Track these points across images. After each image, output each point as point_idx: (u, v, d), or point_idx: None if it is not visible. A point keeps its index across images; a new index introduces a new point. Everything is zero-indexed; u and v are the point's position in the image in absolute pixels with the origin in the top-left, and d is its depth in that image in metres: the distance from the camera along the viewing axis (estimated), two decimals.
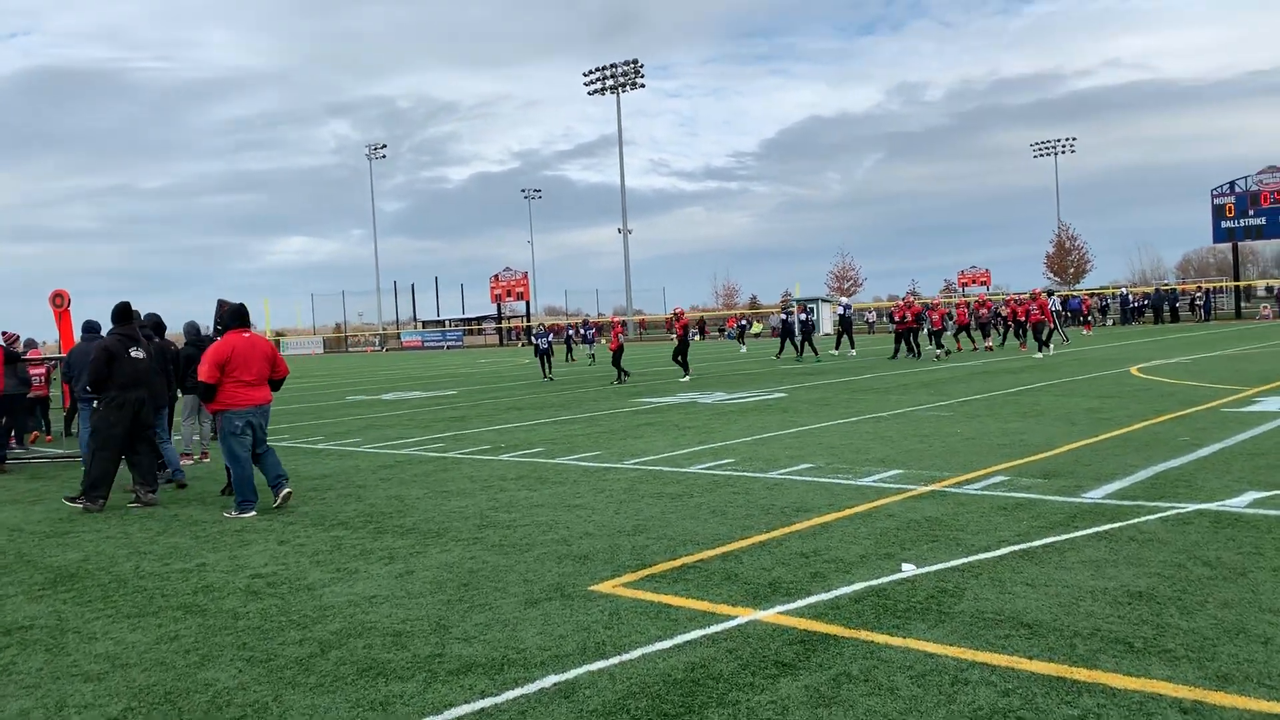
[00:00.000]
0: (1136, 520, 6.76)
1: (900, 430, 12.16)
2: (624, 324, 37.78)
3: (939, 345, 29.64)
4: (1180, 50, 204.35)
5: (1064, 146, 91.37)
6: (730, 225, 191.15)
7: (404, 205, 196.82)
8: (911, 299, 30.53)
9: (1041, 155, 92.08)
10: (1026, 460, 9.48)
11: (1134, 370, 19.92)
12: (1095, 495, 7.65)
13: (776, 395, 18.09)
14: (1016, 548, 6.20)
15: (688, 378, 23.47)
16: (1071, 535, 6.45)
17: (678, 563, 6.24)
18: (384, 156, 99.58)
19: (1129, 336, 37.61)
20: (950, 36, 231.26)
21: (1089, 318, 39.32)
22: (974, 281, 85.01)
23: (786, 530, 6.98)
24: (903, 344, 28.15)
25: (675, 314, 27.06)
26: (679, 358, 24.23)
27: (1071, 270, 71.72)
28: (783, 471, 9.47)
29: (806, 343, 29.88)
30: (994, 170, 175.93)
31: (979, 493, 8.00)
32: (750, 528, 7.11)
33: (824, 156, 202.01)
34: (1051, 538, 6.40)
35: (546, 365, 28.03)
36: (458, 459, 11.67)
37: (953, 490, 8.15)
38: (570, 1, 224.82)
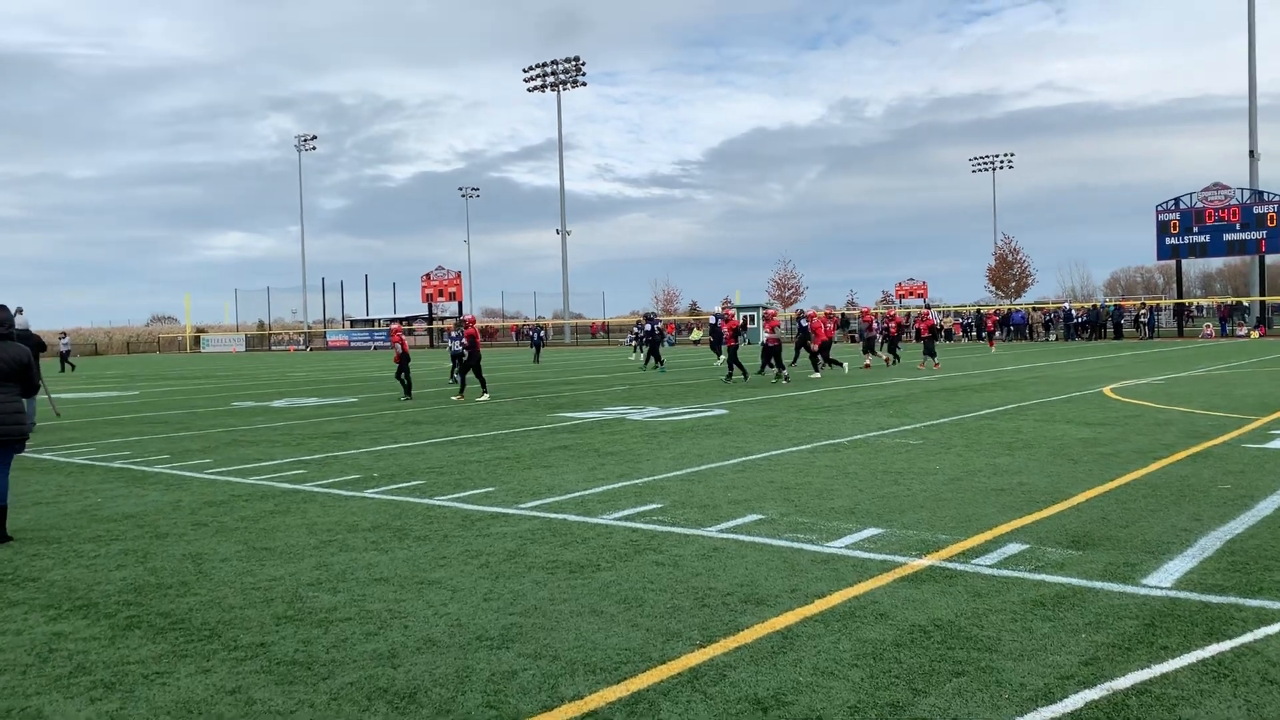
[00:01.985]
0: (1250, 636, 4.54)
1: (865, 464, 9.92)
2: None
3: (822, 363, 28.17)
4: (1112, 76, 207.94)
5: (1002, 162, 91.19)
6: (673, 232, 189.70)
7: (346, 203, 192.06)
8: (833, 310, 29.55)
9: (980, 170, 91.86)
10: (1039, 516, 7.27)
11: (1108, 391, 18.03)
12: (1162, 583, 5.44)
13: (716, 412, 15.81)
14: (1093, 693, 3.92)
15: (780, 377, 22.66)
16: (1168, 666, 4.19)
17: (554, 716, 3.85)
18: (314, 149, 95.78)
19: (1079, 353, 36.16)
20: (892, 54, 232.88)
21: (994, 334, 36.26)
22: (911, 294, 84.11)
23: (732, 643, 4.63)
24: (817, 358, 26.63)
25: (725, 314, 26.52)
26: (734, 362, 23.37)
27: (1013, 284, 70.89)
28: (725, 527, 7.14)
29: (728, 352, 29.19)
30: (932, 186, 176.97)
31: (997, 572, 5.74)
32: (677, 636, 4.75)
33: (767, 167, 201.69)
34: (1138, 670, 4.14)
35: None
36: (310, 494, 9.14)
37: (959, 567, 5.88)
38: (518, 4, 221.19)
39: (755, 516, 7.47)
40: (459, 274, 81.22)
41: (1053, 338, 53.71)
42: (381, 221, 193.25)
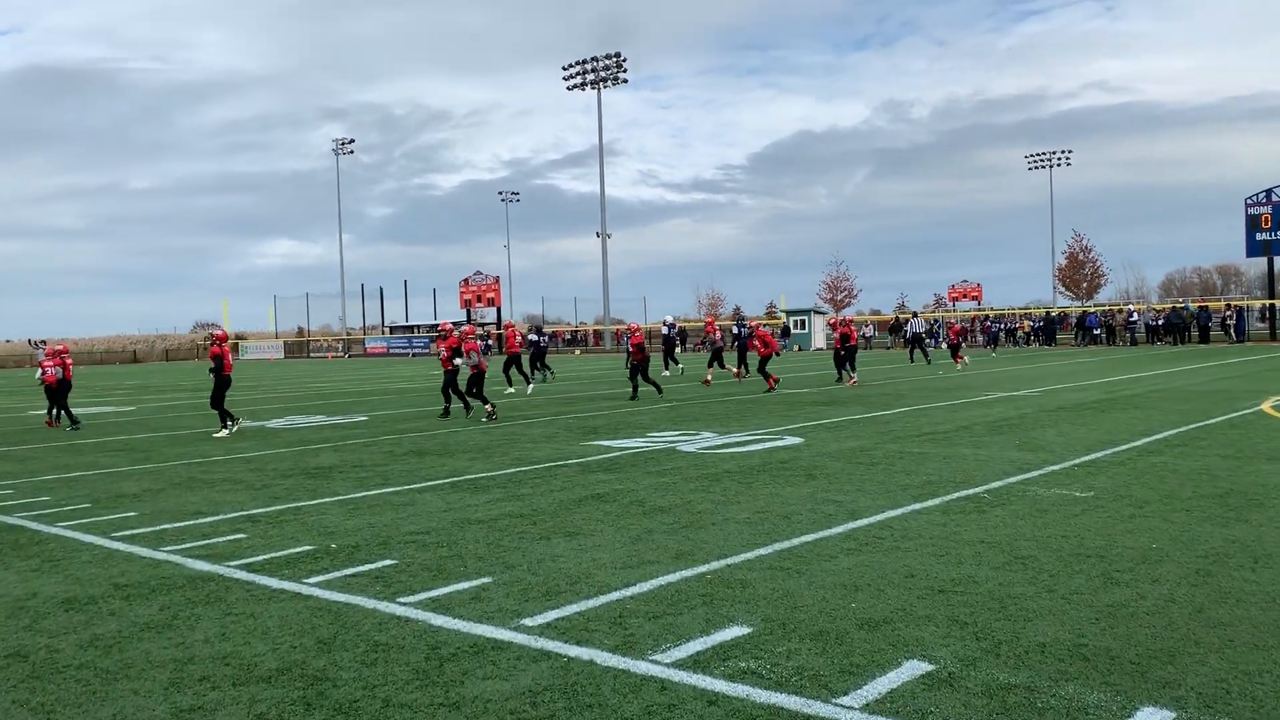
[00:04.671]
0: None
1: (1038, 538, 6.79)
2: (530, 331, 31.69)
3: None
4: (1164, 75, 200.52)
5: (1059, 159, 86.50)
6: (716, 237, 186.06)
7: (393, 211, 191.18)
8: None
9: (1035, 168, 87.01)
10: None
11: (1270, 409, 14.65)
12: None
13: (789, 441, 12.70)
14: None
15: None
16: None
17: None
18: (351, 152, 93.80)
19: (1173, 360, 32.42)
20: (940, 55, 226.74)
21: (959, 346, 31.35)
22: (965, 296, 79.95)
23: None
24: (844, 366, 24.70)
25: (844, 320, 25.46)
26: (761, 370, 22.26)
27: (1085, 285, 66.62)
28: (873, 693, 4.08)
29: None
30: (982, 188, 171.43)
31: None
32: None
33: (812, 170, 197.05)
34: None
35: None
36: (227, 583, 6.20)
37: None
38: (565, 12, 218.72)
39: (918, 665, 4.39)
40: (497, 279, 78.74)
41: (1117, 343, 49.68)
42: (427, 230, 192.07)
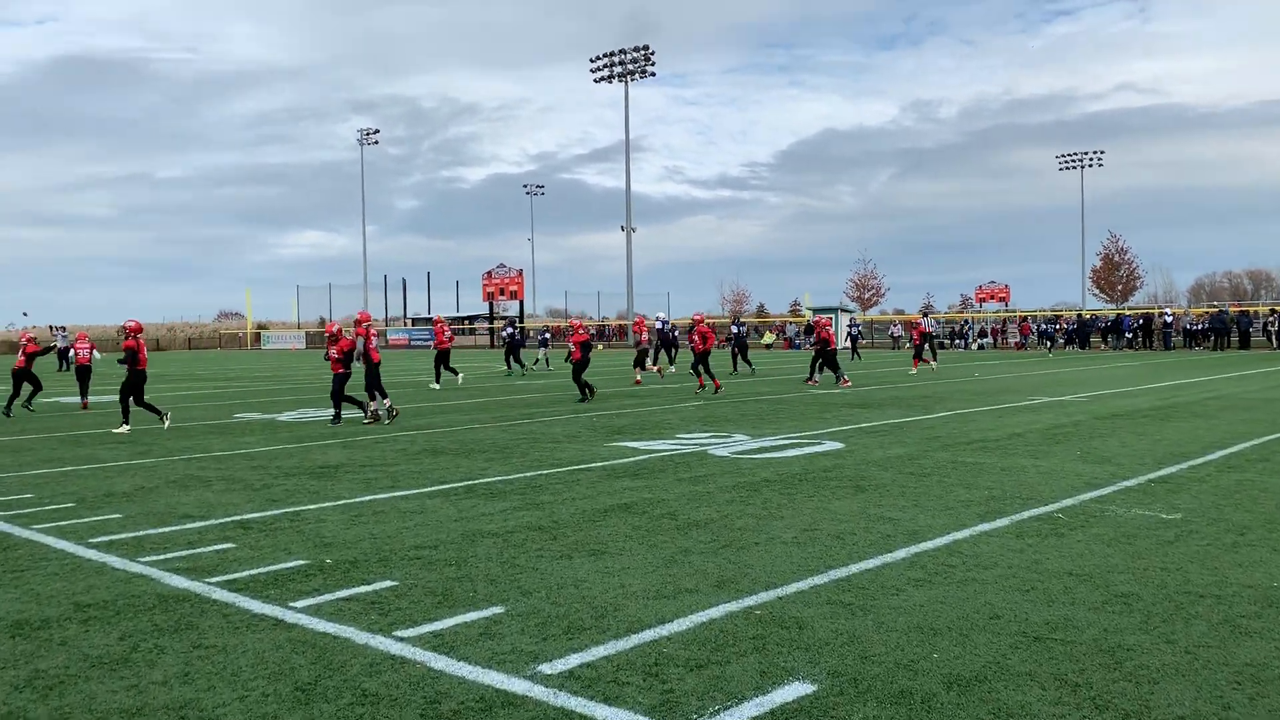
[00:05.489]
0: None
1: (1133, 569, 5.90)
2: (595, 330, 31.52)
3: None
4: (1194, 77, 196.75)
5: (1091, 160, 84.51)
6: (741, 234, 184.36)
7: (419, 204, 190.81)
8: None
9: (1066, 168, 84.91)
10: None
11: None
12: None
13: (829, 446, 11.81)
14: None
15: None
16: None
17: None
18: (376, 142, 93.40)
19: (1218, 366, 31.22)
20: (968, 54, 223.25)
21: (922, 348, 29.78)
22: (992, 297, 78.39)
23: None
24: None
25: (816, 322, 25.00)
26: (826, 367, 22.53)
27: (1120, 287, 65.08)
28: None
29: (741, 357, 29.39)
30: (1010, 189, 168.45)
31: None
32: None
33: (838, 169, 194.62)
34: None
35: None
36: (203, 605, 5.40)
37: None
38: (593, 9, 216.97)
39: None
40: (520, 272, 78.03)
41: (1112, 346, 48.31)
42: (452, 222, 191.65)
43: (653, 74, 74.33)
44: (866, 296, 72.14)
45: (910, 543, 6.67)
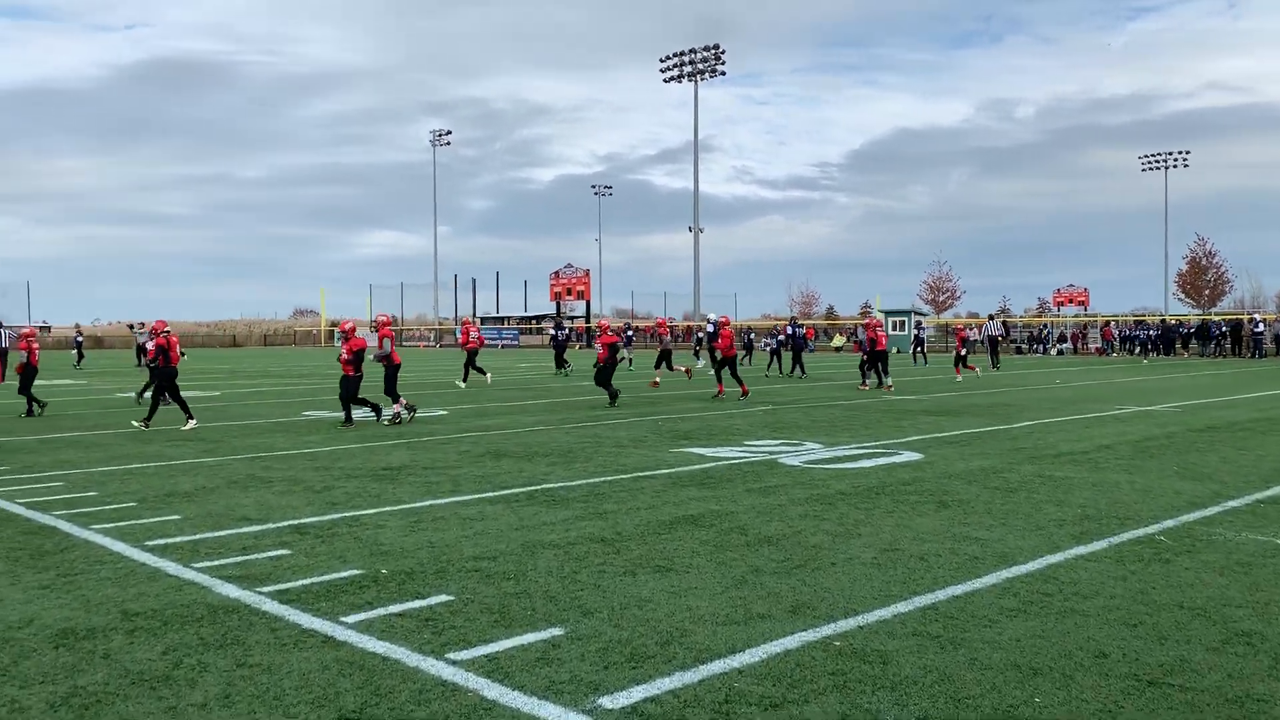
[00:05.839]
0: None
1: (1253, 596, 5.36)
2: (623, 328, 31.42)
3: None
4: None
5: (1176, 160, 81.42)
6: (810, 235, 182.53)
7: (490, 204, 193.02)
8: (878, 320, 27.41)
9: (1150, 169, 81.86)
10: None
11: None
12: None
13: (907, 456, 11.31)
14: None
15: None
16: None
17: None
18: (448, 144, 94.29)
19: None
20: (1046, 52, 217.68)
21: (963, 356, 27.81)
22: (1070, 301, 76.10)
23: None
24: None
25: (868, 323, 24.59)
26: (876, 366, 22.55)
27: (1208, 292, 62.73)
28: None
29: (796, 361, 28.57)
30: (1089, 190, 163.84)
31: None
32: None
33: (910, 169, 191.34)
34: None
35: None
36: (250, 618, 5.17)
37: None
38: (663, 10, 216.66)
39: None
40: (587, 272, 78.13)
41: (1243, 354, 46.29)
42: (522, 222, 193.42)
43: (723, 73, 73.80)
44: (941, 299, 70.65)
45: (1000, 566, 6.19)
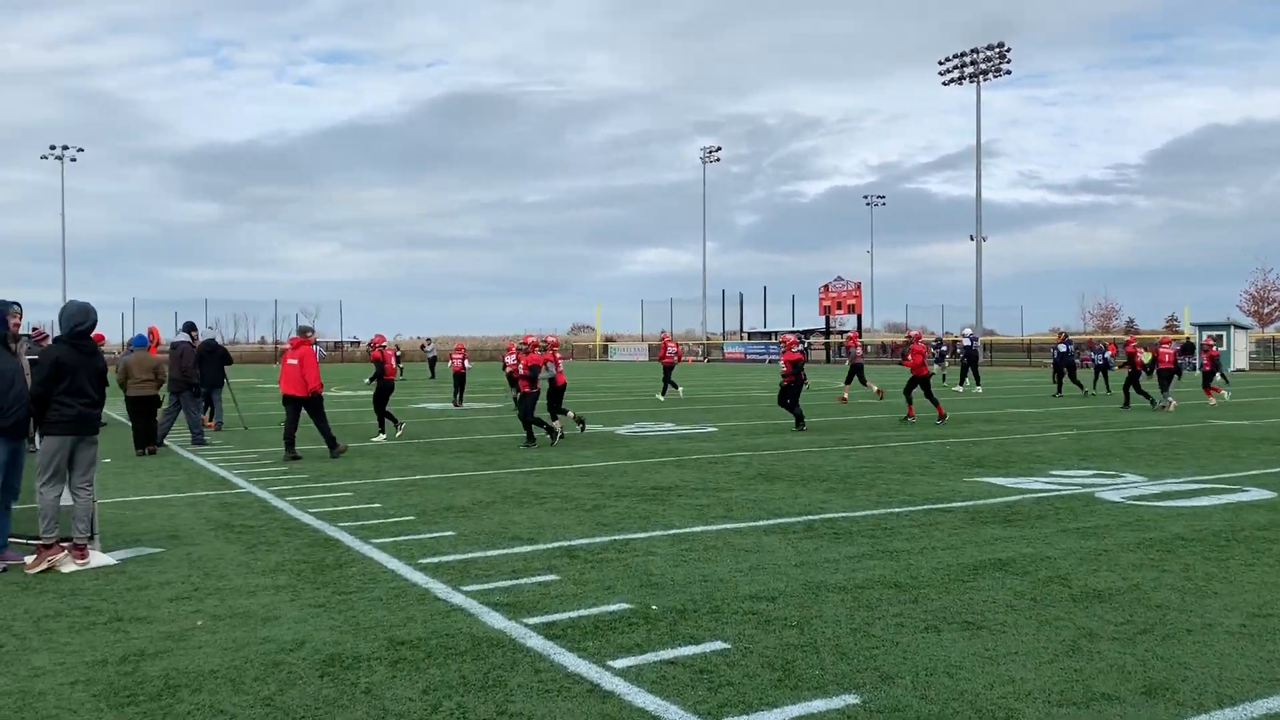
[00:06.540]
0: None
1: None
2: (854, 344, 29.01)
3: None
4: None
5: None
6: (1105, 242, 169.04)
7: (758, 219, 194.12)
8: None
9: None
10: None
11: None
12: None
13: (1255, 494, 9.55)
14: None
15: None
16: None
17: None
18: (719, 160, 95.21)
19: None
20: None
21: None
22: None
23: None
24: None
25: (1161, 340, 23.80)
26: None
27: None
28: None
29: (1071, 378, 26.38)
30: None
31: None
32: None
33: (1223, 169, 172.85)
34: None
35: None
36: (514, 656, 4.81)
37: None
38: (939, 13, 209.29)
39: None
40: (859, 285, 76.04)
41: None
42: (790, 236, 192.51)
43: (1008, 72, 69.73)
44: (1266, 311, 62.74)
45: None
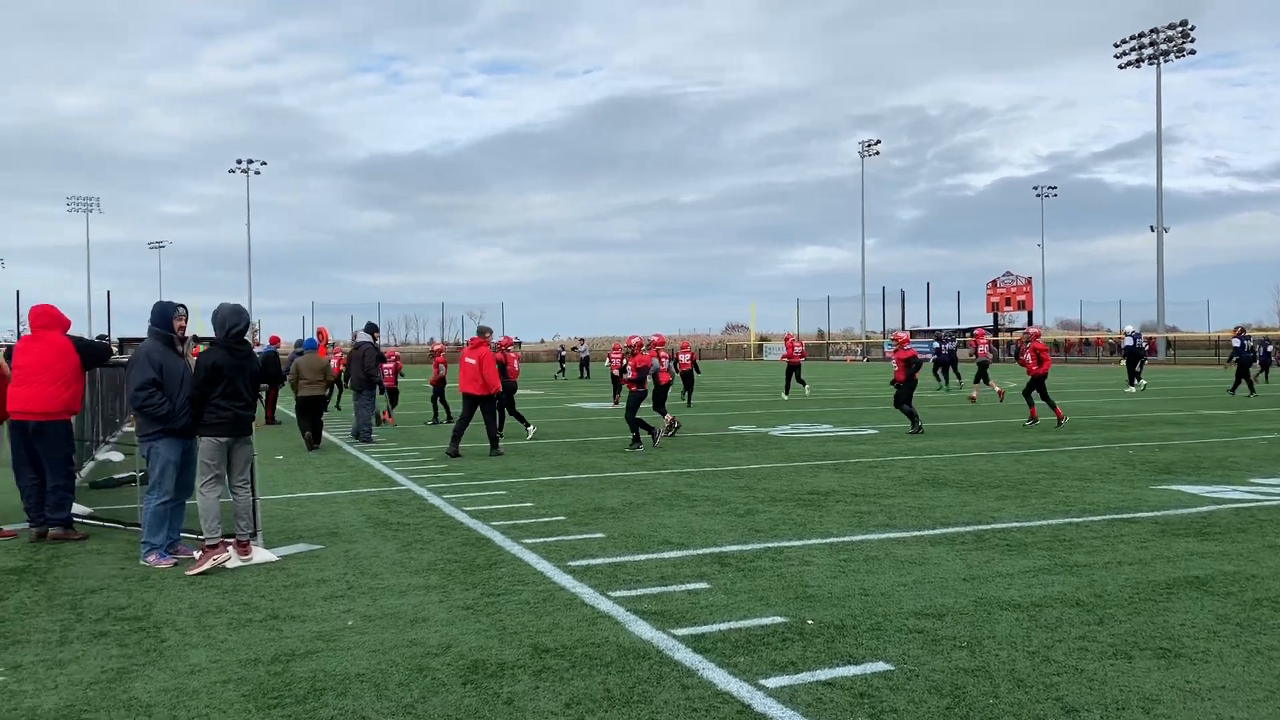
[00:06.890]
0: None
1: None
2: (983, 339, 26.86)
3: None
4: None
5: None
6: None
7: (921, 213, 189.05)
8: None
9: None
10: None
11: None
12: None
13: None
14: None
15: None
16: None
17: None
18: (878, 153, 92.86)
19: None
20: None
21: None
22: None
23: None
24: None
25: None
26: None
27: None
28: None
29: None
30: None
31: None
32: None
33: None
34: None
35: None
36: (629, 699, 4.58)
37: None
38: None
39: None
40: (1029, 280, 72.75)
41: None
42: (955, 230, 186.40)
43: (1191, 52, 65.28)
44: None
45: None
